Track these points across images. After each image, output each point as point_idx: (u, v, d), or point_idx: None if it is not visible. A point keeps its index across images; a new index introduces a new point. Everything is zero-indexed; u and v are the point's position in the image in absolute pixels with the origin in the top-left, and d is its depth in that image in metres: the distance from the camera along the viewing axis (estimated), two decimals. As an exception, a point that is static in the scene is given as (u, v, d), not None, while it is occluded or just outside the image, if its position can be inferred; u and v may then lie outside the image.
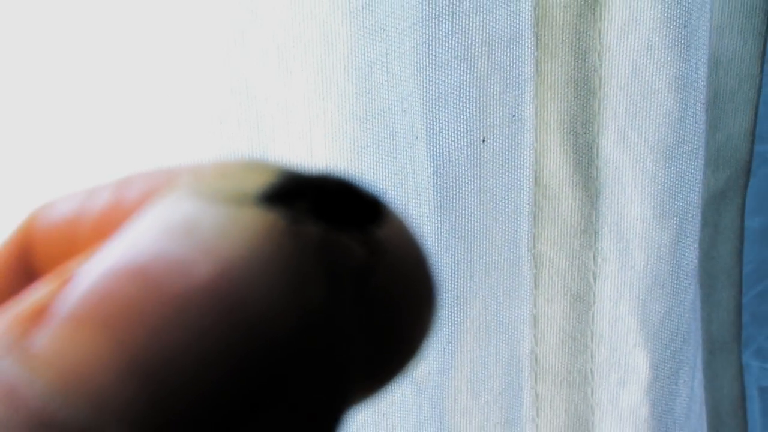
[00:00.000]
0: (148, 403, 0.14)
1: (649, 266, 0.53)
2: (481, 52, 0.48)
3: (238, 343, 0.15)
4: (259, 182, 0.17)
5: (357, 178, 0.17)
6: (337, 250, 0.16)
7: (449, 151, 0.49)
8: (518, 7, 0.48)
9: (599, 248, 0.53)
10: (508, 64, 0.49)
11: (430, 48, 0.46)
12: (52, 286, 0.16)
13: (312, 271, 0.16)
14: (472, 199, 0.50)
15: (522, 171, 0.51)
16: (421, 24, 0.46)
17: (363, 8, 0.44)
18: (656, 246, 0.53)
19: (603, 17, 0.49)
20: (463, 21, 0.47)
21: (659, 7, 0.49)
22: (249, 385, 0.15)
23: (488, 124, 0.49)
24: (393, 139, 0.46)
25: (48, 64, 0.42)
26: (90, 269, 0.16)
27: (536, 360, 0.55)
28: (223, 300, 0.15)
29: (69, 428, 0.14)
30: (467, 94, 0.48)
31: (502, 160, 0.50)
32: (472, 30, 0.47)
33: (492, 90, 0.49)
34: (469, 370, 0.53)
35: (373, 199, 0.17)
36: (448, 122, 0.48)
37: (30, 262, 0.19)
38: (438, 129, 0.48)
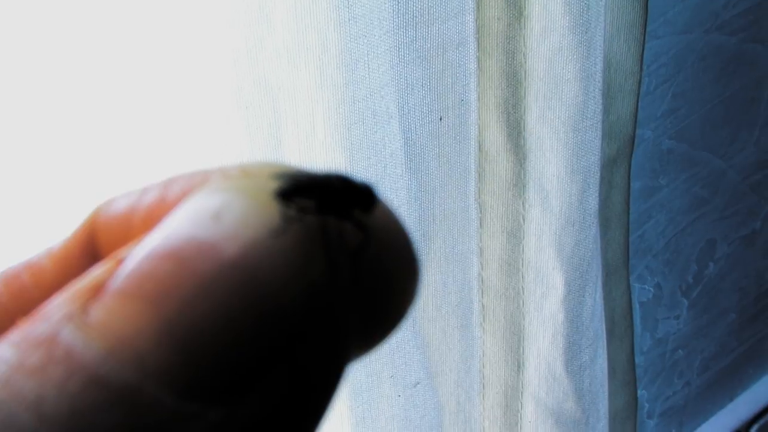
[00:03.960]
0: (180, 362, 0.14)
1: (562, 210, 0.53)
2: (437, 52, 0.47)
3: (255, 311, 0.14)
4: (274, 181, 0.16)
5: (352, 174, 0.17)
6: (335, 234, 0.16)
7: (415, 127, 0.48)
8: (464, 19, 0.47)
9: (526, 197, 0.53)
10: (457, 61, 0.48)
11: (400, 50, 0.46)
12: (107, 266, 0.15)
13: (314, 252, 0.15)
14: (433, 162, 0.50)
15: (469, 141, 0.51)
16: (392, 32, 0.45)
17: (349, 20, 0.43)
18: (568, 195, 0.53)
19: (526, 26, 0.49)
20: (424, 29, 0.46)
21: (567, 18, 0.49)
22: (265, 344, 0.14)
23: (444, 106, 0.49)
24: (374, 118, 0.46)
25: (87, 67, 0.41)
26: (136, 252, 0.15)
27: (482, 281, 0.55)
28: (243, 276, 0.14)
29: (115, 385, 0.14)
30: (428, 84, 0.48)
31: (454, 133, 0.50)
32: (430, 36, 0.47)
33: (446, 81, 0.48)
34: (433, 288, 0.53)
35: (366, 191, 0.17)
36: (414, 105, 0.48)
37: (95, 247, 0.18)
38: (407, 111, 0.48)
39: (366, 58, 0.45)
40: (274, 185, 0.16)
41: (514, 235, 0.54)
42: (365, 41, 0.45)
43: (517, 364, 0.58)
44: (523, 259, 0.55)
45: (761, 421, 0.94)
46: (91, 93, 0.41)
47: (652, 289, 0.81)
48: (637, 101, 0.58)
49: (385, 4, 0.45)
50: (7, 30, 0.38)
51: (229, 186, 0.16)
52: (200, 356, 0.14)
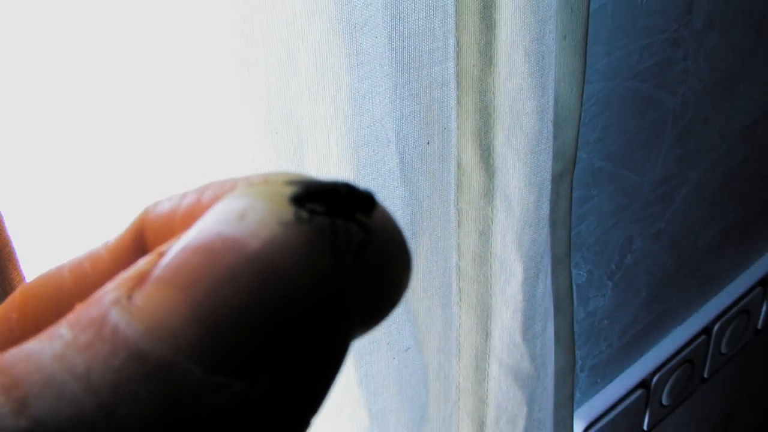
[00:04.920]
0: (208, 341, 0.13)
1: (522, 215, 0.50)
2: (426, 91, 0.45)
3: (272, 296, 0.13)
4: (289, 187, 0.15)
5: (356, 183, 0.16)
6: (341, 233, 0.15)
7: (408, 150, 0.46)
8: (447, 65, 0.45)
9: (494, 204, 0.50)
10: (441, 98, 0.45)
11: (397, 89, 0.43)
12: (150, 258, 0.14)
13: (322, 247, 0.14)
14: (422, 177, 0.47)
15: (450, 160, 0.48)
16: (391, 75, 0.43)
17: (357, 65, 0.41)
18: (526, 203, 0.50)
19: (494, 71, 0.47)
20: (415, 73, 0.44)
21: (527, 66, 0.47)
22: (280, 324, 0.13)
23: (430, 133, 0.46)
24: (376, 142, 0.43)
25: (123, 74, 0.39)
26: (174, 246, 0.14)
27: (459, 269, 0.53)
28: (262, 266, 0.13)
29: (154, 361, 0.12)
30: (419, 116, 0.45)
31: (439, 155, 0.47)
32: (420, 78, 0.44)
33: (432, 114, 0.45)
34: (420, 275, 0.51)
35: (368, 197, 0.16)
36: (407, 133, 0.45)
37: (143, 242, 0.17)
38: (402, 137, 0.45)
39: (370, 95, 0.43)
40: (289, 191, 0.15)
41: (485, 234, 0.51)
42: (370, 82, 0.42)
43: (485, 334, 0.55)
44: (491, 253, 0.52)
45: (661, 372, 0.93)
46: (145, 114, 0.39)
47: (585, 274, 0.80)
48: (578, 130, 0.56)
49: (385, 53, 0.42)
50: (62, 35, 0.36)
51: (252, 191, 0.15)
52: (225, 335, 0.13)
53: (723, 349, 1.01)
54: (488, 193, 0.49)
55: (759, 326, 1.07)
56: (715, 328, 0.97)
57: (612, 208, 0.78)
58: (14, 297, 0.17)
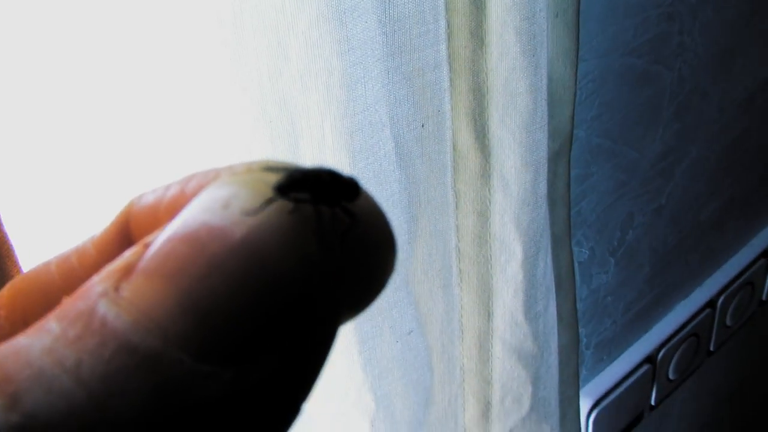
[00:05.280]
0: (195, 330, 0.13)
1: (519, 194, 0.50)
2: (419, 74, 0.45)
3: (258, 283, 0.13)
4: (273, 175, 0.15)
5: (340, 169, 0.16)
6: (325, 219, 0.15)
7: (403, 133, 0.46)
8: (438, 48, 0.45)
9: (491, 185, 0.50)
10: (434, 81, 0.45)
11: (389, 73, 0.44)
12: (136, 250, 0.14)
13: (307, 233, 0.14)
14: (418, 160, 0.47)
15: (445, 142, 0.48)
16: (383, 59, 0.43)
17: (348, 50, 0.41)
18: (523, 182, 0.50)
19: (486, 52, 0.47)
20: (407, 56, 0.44)
21: (518, 45, 0.47)
22: (267, 310, 0.13)
23: (425, 116, 0.46)
24: (371, 127, 0.43)
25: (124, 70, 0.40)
26: (159, 237, 0.14)
27: (459, 251, 0.53)
28: (248, 254, 0.13)
29: (143, 352, 0.12)
30: (412, 99, 0.45)
31: (434, 137, 0.47)
32: (412, 61, 0.44)
33: (426, 96, 0.45)
34: (421, 257, 0.51)
35: (351, 183, 0.16)
36: (401, 116, 0.45)
37: (129, 234, 0.17)
38: (396, 120, 0.45)
39: (363, 80, 0.43)
40: (272, 179, 0.15)
41: (483, 215, 0.52)
42: (362, 66, 0.42)
43: (487, 314, 0.55)
44: (490, 233, 0.52)
45: (667, 347, 0.93)
46: (137, 107, 0.39)
47: (587, 252, 0.80)
48: (573, 108, 0.56)
49: (376, 37, 0.42)
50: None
51: (235, 180, 0.15)
52: (213, 324, 0.13)
53: (728, 322, 1.01)
54: (485, 173, 0.49)
55: (764, 297, 1.07)
56: (720, 301, 0.97)
57: (612, 184, 0.78)
58: (2, 294, 0.17)
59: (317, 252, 0.14)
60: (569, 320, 0.63)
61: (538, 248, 0.54)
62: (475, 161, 0.49)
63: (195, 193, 0.15)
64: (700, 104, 0.84)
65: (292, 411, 0.14)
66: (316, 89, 0.42)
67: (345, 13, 0.40)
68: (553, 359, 0.60)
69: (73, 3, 0.35)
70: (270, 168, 0.16)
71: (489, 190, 0.50)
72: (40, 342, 0.13)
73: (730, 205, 0.97)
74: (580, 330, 0.83)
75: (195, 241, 0.13)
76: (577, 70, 0.55)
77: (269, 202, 0.14)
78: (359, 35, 0.41)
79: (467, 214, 0.51)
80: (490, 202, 0.51)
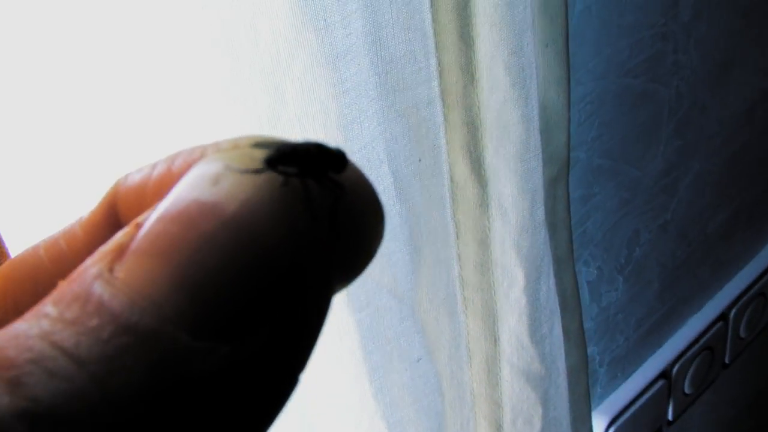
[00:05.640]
0: (191, 307, 0.13)
1: (518, 222, 0.51)
2: (413, 111, 0.46)
3: (250, 256, 0.13)
4: (261, 150, 0.16)
5: (327, 142, 0.16)
6: (314, 191, 0.15)
7: (401, 168, 0.47)
8: (430, 85, 0.46)
9: (490, 214, 0.51)
10: (429, 117, 0.47)
11: (384, 111, 0.44)
12: (128, 230, 0.14)
13: (296, 206, 0.14)
14: (417, 193, 0.48)
15: (442, 175, 0.49)
16: (377, 99, 0.43)
17: (343, 93, 0.43)
18: (521, 210, 0.51)
19: (477, 86, 0.48)
20: (401, 94, 0.45)
21: (508, 78, 0.48)
22: (260, 283, 0.13)
23: (421, 150, 0.47)
24: (368, 164, 0.44)
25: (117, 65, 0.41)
26: (150, 216, 0.14)
27: (462, 278, 0.54)
28: (240, 229, 0.13)
29: (140, 331, 0.12)
30: (408, 135, 0.46)
31: (431, 171, 0.48)
32: (406, 99, 0.45)
33: (421, 132, 0.47)
34: (425, 287, 0.51)
35: (339, 155, 0.16)
36: (399, 152, 0.46)
37: (116, 216, 0.17)
38: (394, 156, 0.46)
39: (359, 120, 0.44)
40: (261, 154, 0.15)
41: (483, 243, 0.53)
42: (357, 107, 0.44)
43: (493, 339, 0.56)
44: (491, 260, 0.53)
45: (681, 361, 0.93)
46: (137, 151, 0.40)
47: (595, 271, 0.80)
48: (569, 134, 0.57)
49: (369, 78, 0.44)
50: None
51: (224, 156, 0.15)
52: (208, 300, 0.13)
53: (742, 334, 1.01)
54: (483, 203, 0.51)
55: (776, 308, 1.07)
56: (732, 313, 0.97)
57: (616, 203, 0.79)
58: None
59: (307, 223, 0.14)
60: (577, 340, 0.64)
61: (539, 272, 0.55)
62: (473, 192, 0.51)
63: (182, 171, 0.15)
64: (700, 119, 0.85)
65: (289, 382, 0.14)
66: (313, 130, 0.43)
67: (338, 57, 0.42)
68: (562, 379, 0.61)
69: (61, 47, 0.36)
70: (257, 143, 0.16)
71: (488, 218, 0.51)
72: (38, 326, 0.13)
73: (736, 217, 0.98)
74: (593, 348, 0.84)
75: (186, 219, 0.14)
76: (569, 96, 0.56)
77: (258, 176, 0.14)
78: (353, 78, 0.43)
79: (468, 242, 0.52)
80: (489, 231, 0.52)
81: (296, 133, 0.43)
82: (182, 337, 0.13)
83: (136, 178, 0.17)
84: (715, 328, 0.96)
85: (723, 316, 0.97)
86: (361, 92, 0.44)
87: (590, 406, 0.69)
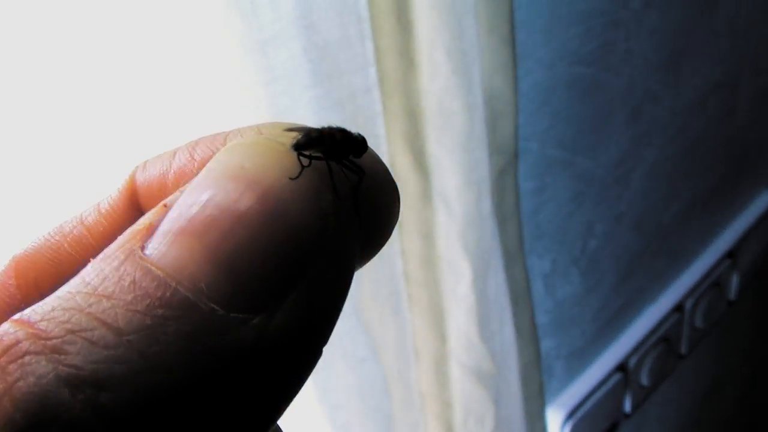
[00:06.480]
0: (225, 281, 0.14)
1: (463, 214, 0.50)
2: (349, 99, 0.43)
3: (280, 235, 0.14)
4: (289, 135, 0.17)
5: (348, 129, 0.18)
6: (339, 175, 0.16)
7: (339, 160, 0.46)
8: (367, 72, 0.43)
9: (434, 207, 0.49)
10: (366, 105, 0.45)
11: (319, 100, 0.42)
12: (156, 211, 0.15)
13: (323, 188, 0.15)
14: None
15: (383, 167, 0.48)
16: (310, 87, 0.41)
17: (272, 81, 0.41)
18: (466, 202, 0.50)
19: (418, 73, 0.46)
20: (336, 82, 0.43)
21: (449, 65, 0.46)
22: (289, 259, 0.14)
23: (360, 141, 0.46)
24: None
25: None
26: (181, 199, 0.15)
27: (406, 275, 0.51)
28: (270, 210, 0.14)
29: (176, 304, 0.13)
30: (345, 124, 0.45)
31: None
32: (343, 87, 0.44)
33: (358, 121, 0.44)
34: (368, 285, 0.49)
35: (360, 140, 0.17)
36: None
37: (137, 201, 0.18)
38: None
39: (292, 109, 0.42)
40: (288, 139, 0.16)
41: (428, 237, 0.51)
42: (289, 96, 0.41)
43: (441, 337, 0.54)
44: (436, 255, 0.51)
45: (638, 353, 0.92)
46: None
47: (550, 264, 0.79)
48: (516, 123, 0.55)
49: (302, 65, 0.42)
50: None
51: (252, 141, 0.16)
52: (242, 275, 0.14)
53: (698, 324, 1.01)
54: (426, 195, 0.49)
55: (731, 298, 1.07)
56: (688, 304, 0.97)
57: (569, 195, 0.78)
58: (9, 266, 0.18)
59: (333, 205, 0.15)
60: (529, 336, 0.62)
61: (487, 267, 0.53)
62: (415, 183, 0.49)
63: (205, 159, 0.17)
64: (653, 109, 0.84)
65: (313, 353, 0.15)
66: (243, 121, 0.41)
67: (266, 43, 0.39)
68: (514, 377, 0.59)
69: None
70: (284, 128, 0.17)
71: (431, 211, 0.49)
72: (75, 301, 0.14)
73: (691, 206, 0.97)
74: (549, 341, 0.83)
75: (218, 201, 0.14)
76: (516, 84, 0.55)
77: (287, 159, 0.15)
78: (283, 64, 0.41)
79: (412, 237, 0.50)
80: (434, 224, 0.50)
81: (226, 125, 0.40)
82: (218, 310, 0.14)
83: (156, 165, 0.18)
84: (671, 320, 0.95)
85: (679, 307, 0.96)
86: (293, 80, 0.41)
87: (544, 403, 0.67)
